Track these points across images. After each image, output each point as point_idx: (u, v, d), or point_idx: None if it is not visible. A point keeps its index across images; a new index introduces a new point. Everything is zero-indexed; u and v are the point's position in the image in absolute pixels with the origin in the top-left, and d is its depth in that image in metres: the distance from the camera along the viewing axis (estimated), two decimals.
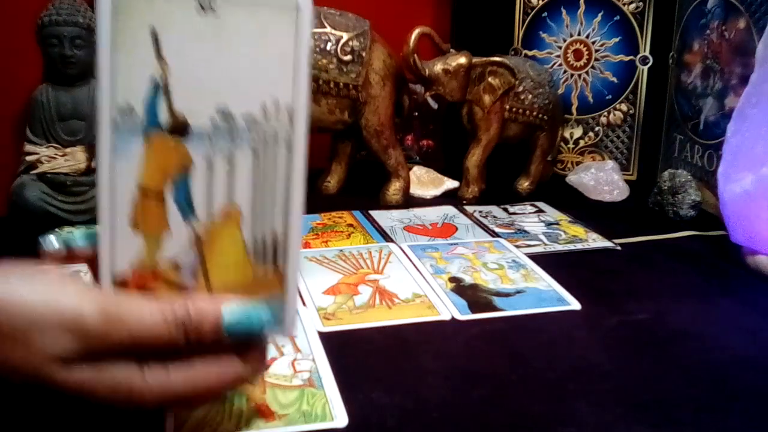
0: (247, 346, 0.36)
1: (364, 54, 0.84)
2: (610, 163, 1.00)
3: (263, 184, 0.36)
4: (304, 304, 0.58)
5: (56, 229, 0.38)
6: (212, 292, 0.36)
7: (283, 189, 0.36)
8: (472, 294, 0.61)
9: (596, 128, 1.05)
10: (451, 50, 0.91)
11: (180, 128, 0.34)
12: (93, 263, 0.36)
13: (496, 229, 0.80)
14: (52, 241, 0.38)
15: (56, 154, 0.80)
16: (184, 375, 0.34)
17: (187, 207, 0.35)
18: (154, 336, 0.33)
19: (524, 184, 0.97)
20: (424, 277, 0.64)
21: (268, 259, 0.36)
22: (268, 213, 0.36)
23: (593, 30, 1.02)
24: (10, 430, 0.35)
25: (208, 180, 0.35)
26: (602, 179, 0.98)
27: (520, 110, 0.93)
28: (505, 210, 0.88)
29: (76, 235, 0.37)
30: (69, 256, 0.37)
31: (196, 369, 0.34)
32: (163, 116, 0.34)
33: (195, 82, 0.34)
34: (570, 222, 0.83)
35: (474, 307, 0.59)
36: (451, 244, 0.74)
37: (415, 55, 0.85)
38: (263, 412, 0.42)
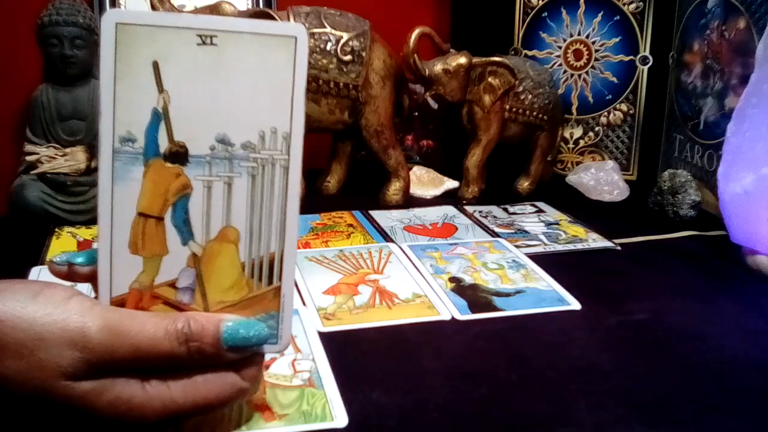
0: (244, 362, 0.37)
1: (364, 54, 0.84)
2: (610, 163, 1.00)
3: (260, 207, 0.37)
4: (304, 304, 0.58)
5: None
6: (209, 311, 0.37)
7: (279, 211, 0.37)
8: (472, 294, 0.61)
9: (596, 128, 1.05)
10: (451, 50, 0.91)
11: (180, 156, 0.36)
12: (95, 282, 0.37)
13: (496, 229, 0.80)
14: (61, 258, 0.39)
15: (56, 154, 0.80)
16: (184, 388, 0.35)
17: (185, 230, 0.37)
18: (156, 349, 0.34)
19: (524, 184, 0.97)
20: (424, 277, 0.64)
21: (264, 278, 0.38)
22: (265, 234, 0.37)
23: (593, 30, 1.02)
24: None
25: (206, 204, 0.36)
26: (602, 179, 0.98)
27: (520, 110, 0.93)
28: (505, 210, 0.88)
29: (78, 256, 0.38)
30: (70, 273, 0.38)
31: (195, 383, 0.35)
32: (164, 145, 0.35)
33: (195, 112, 0.35)
34: (570, 222, 0.83)
35: (474, 307, 0.59)
36: (451, 244, 0.74)
37: (415, 55, 0.85)
38: (263, 412, 0.42)
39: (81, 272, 0.38)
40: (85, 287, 0.40)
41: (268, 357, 0.48)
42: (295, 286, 0.38)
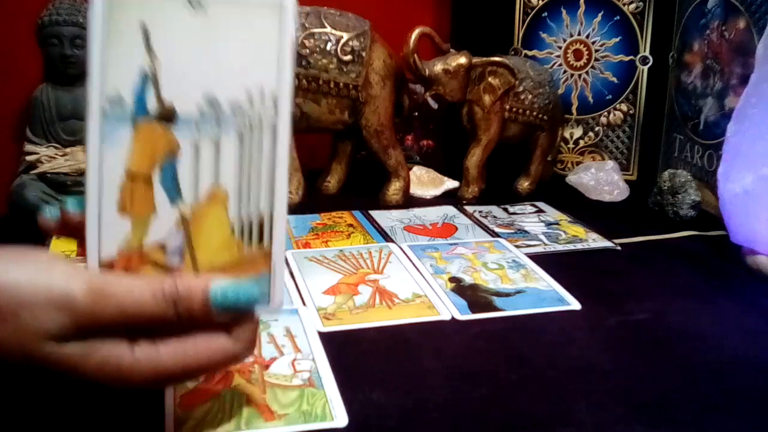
0: (236, 323, 0.36)
1: (364, 54, 0.84)
2: (610, 163, 1.00)
3: (248, 167, 0.37)
4: (304, 304, 0.58)
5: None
6: (199, 273, 0.37)
7: (268, 171, 0.37)
8: (472, 294, 0.61)
9: (596, 128, 1.05)
10: (451, 50, 0.91)
11: (167, 116, 0.36)
12: (83, 244, 0.36)
13: (496, 229, 0.80)
14: (50, 209, 0.39)
15: (56, 154, 0.80)
16: (174, 351, 0.34)
17: (174, 190, 0.37)
18: (142, 311, 0.33)
19: (524, 184, 0.97)
20: (424, 277, 0.64)
21: (254, 239, 0.37)
22: (254, 194, 0.37)
23: (593, 30, 1.02)
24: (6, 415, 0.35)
25: (194, 164, 0.37)
26: (602, 179, 0.98)
27: (520, 110, 0.93)
28: (505, 210, 0.88)
29: (69, 201, 0.38)
30: (63, 223, 0.38)
31: (185, 345, 0.35)
32: (152, 104, 0.36)
33: (183, 73, 0.36)
34: (570, 222, 0.83)
35: (474, 307, 0.59)
36: (451, 244, 0.74)
37: (415, 55, 0.85)
38: (263, 412, 0.42)
39: (73, 218, 0.37)
40: None
41: (269, 358, 0.48)
42: (285, 248, 0.38)
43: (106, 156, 0.35)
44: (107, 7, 0.35)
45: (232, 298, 0.35)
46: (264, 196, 0.37)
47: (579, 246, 0.75)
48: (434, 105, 0.92)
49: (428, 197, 0.95)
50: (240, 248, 0.37)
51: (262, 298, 0.37)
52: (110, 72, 0.35)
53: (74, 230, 0.38)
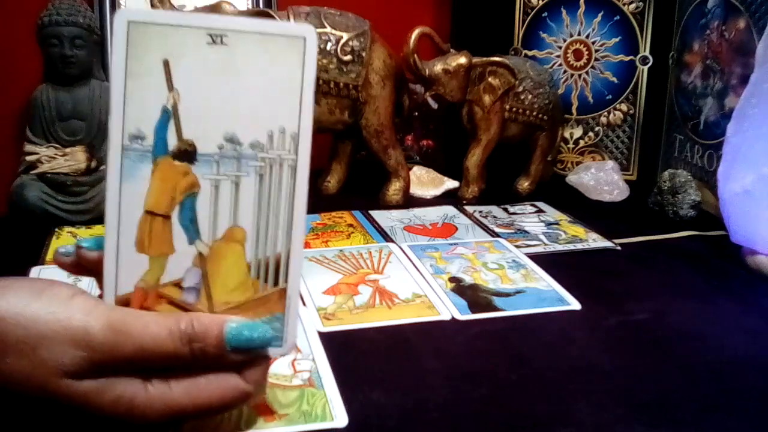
0: (248, 364, 0.36)
1: (364, 54, 0.84)
2: (610, 163, 1.00)
3: (267, 207, 0.37)
4: (304, 304, 0.58)
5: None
6: (215, 312, 0.37)
7: (286, 212, 0.37)
8: (472, 294, 0.61)
9: (596, 128, 1.05)
10: (451, 50, 0.91)
11: (188, 155, 0.36)
12: (100, 276, 0.36)
13: (496, 229, 0.80)
14: (65, 246, 0.38)
15: (56, 154, 0.80)
16: (187, 390, 0.35)
17: (192, 229, 0.37)
18: (158, 349, 0.34)
19: (524, 184, 0.97)
20: (424, 277, 0.64)
21: (270, 279, 0.38)
22: (272, 235, 0.37)
23: (593, 30, 1.02)
24: None
25: (213, 203, 0.36)
26: (602, 179, 0.98)
27: (520, 110, 0.93)
28: (505, 210, 0.88)
29: (85, 240, 0.38)
30: (78, 260, 0.38)
31: (198, 384, 0.35)
32: (172, 143, 0.35)
33: (204, 111, 0.35)
34: (570, 222, 0.83)
35: (474, 307, 0.59)
36: (451, 244, 0.74)
37: (415, 55, 0.85)
38: (263, 412, 0.42)
39: (89, 257, 0.37)
40: (86, 283, 0.40)
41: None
42: (300, 289, 0.38)
43: (125, 193, 0.35)
44: (129, 42, 0.34)
45: (246, 338, 0.35)
46: (281, 237, 0.37)
47: (579, 246, 0.75)
48: (434, 105, 0.92)
49: (428, 197, 0.95)
50: (256, 288, 0.37)
51: (276, 339, 0.37)
52: (131, 108, 0.35)
53: (89, 268, 0.38)
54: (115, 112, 0.35)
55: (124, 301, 0.36)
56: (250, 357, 0.36)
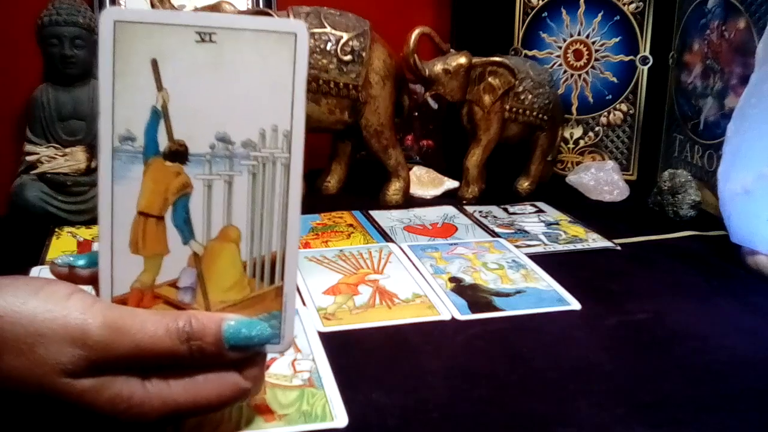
0: (246, 361, 0.36)
1: (364, 54, 0.84)
2: (610, 163, 1.00)
3: (261, 206, 0.37)
4: (304, 304, 0.58)
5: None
6: (211, 311, 0.37)
7: (280, 210, 0.37)
8: (472, 294, 0.61)
9: (596, 128, 1.05)
10: (451, 50, 0.91)
11: (180, 155, 0.35)
12: (96, 285, 0.37)
13: (496, 229, 0.80)
14: (62, 258, 0.39)
15: (56, 154, 0.80)
16: (185, 388, 0.35)
17: (186, 229, 0.36)
18: (156, 347, 0.34)
19: (524, 184, 0.97)
20: (424, 277, 0.64)
21: (266, 278, 0.38)
22: (266, 233, 0.37)
23: (593, 30, 1.02)
24: None
25: (207, 203, 0.36)
26: (602, 179, 0.98)
27: (520, 110, 0.93)
28: (505, 210, 0.88)
29: (79, 259, 0.38)
30: (71, 276, 0.38)
31: (196, 382, 0.35)
32: (163, 143, 0.35)
33: (195, 110, 0.35)
34: (570, 222, 0.83)
35: (474, 307, 0.59)
36: (451, 244, 0.74)
37: (415, 55, 0.85)
38: (263, 412, 0.42)
39: (81, 275, 0.38)
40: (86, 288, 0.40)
41: (269, 357, 0.48)
42: (296, 286, 0.38)
43: (117, 194, 0.35)
44: (116, 42, 0.34)
45: (244, 337, 0.35)
46: (276, 235, 0.37)
47: (579, 246, 0.75)
48: (434, 105, 0.92)
49: (428, 197, 0.95)
50: (251, 286, 0.37)
51: (273, 337, 0.37)
52: (120, 108, 0.34)
53: (84, 281, 0.38)
54: (104, 113, 0.34)
55: (121, 302, 0.36)
56: (248, 355, 0.36)
